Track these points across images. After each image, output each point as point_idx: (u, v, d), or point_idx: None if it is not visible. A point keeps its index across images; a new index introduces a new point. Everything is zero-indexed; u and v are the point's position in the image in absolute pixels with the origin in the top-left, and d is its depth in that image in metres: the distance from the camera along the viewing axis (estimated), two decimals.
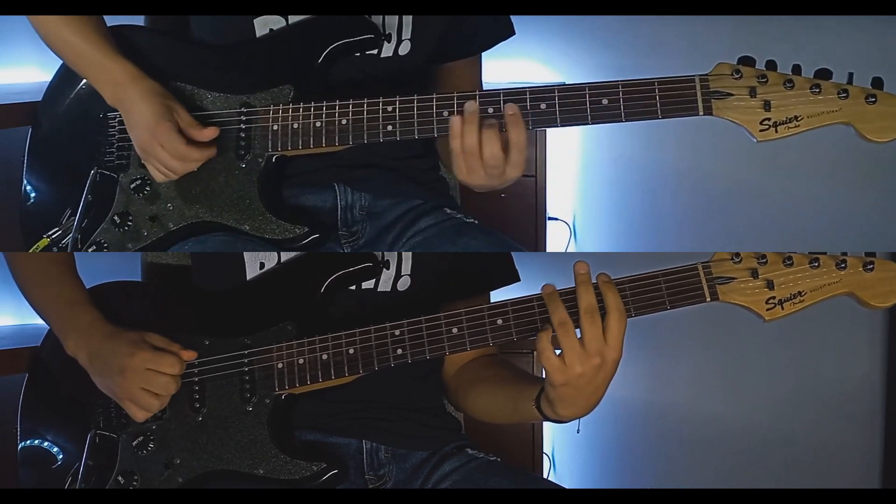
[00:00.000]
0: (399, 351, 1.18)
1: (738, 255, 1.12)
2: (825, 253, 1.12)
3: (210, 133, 1.23)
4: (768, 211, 2.38)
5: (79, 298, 1.27)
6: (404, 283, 1.31)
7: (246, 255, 1.28)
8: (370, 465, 1.29)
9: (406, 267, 1.31)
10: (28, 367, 1.32)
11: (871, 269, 1.10)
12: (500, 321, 1.16)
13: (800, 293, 1.11)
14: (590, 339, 1.07)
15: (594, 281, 1.11)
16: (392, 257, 1.31)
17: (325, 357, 1.19)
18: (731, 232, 2.40)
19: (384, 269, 1.29)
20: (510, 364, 1.35)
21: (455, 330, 1.17)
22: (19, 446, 1.30)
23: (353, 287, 1.28)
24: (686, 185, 2.40)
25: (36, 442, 1.29)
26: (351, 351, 1.19)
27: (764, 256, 1.12)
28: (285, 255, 1.28)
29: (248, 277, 1.28)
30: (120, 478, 1.22)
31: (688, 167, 2.38)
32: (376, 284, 1.30)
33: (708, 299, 1.12)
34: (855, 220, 2.33)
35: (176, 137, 1.21)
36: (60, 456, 1.27)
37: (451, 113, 1.19)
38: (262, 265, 1.28)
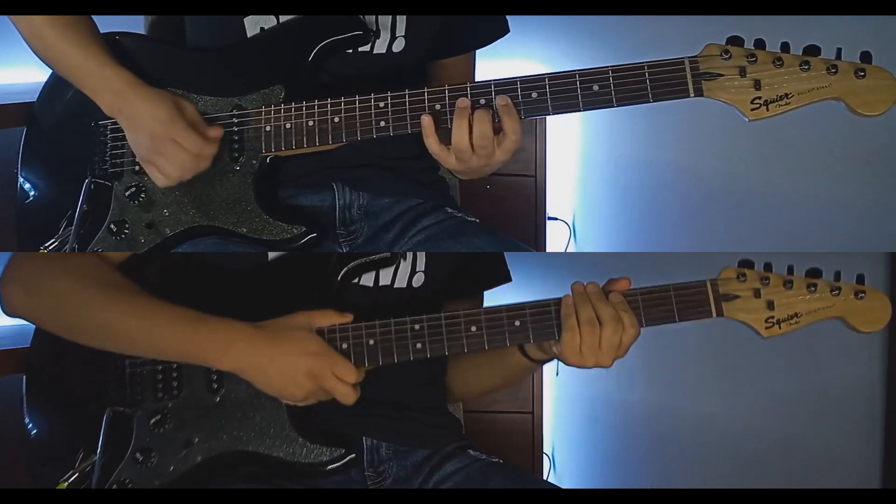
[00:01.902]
0: (419, 345, 1.19)
1: (743, 273, 1.20)
2: (821, 275, 1.21)
3: (217, 131, 1.24)
4: (768, 210, 2.37)
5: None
6: (419, 280, 1.32)
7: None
8: (370, 462, 1.29)
9: (421, 263, 1.32)
10: (24, 368, 1.32)
11: (863, 298, 1.19)
12: (517, 322, 1.19)
13: (796, 314, 1.20)
14: (608, 345, 1.18)
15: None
16: (408, 255, 1.32)
17: (345, 346, 1.20)
18: (731, 231, 2.39)
19: (401, 260, 1.30)
20: None
21: (474, 328, 1.19)
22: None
23: (371, 283, 1.29)
24: (686, 184, 2.39)
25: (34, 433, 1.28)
26: (371, 342, 1.20)
27: (767, 278, 1.20)
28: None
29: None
30: (138, 454, 1.21)
31: (688, 167, 2.38)
32: (393, 280, 1.31)
33: (714, 315, 1.20)
34: (855, 219, 2.32)
35: (192, 132, 1.22)
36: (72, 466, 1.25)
37: (442, 106, 1.20)
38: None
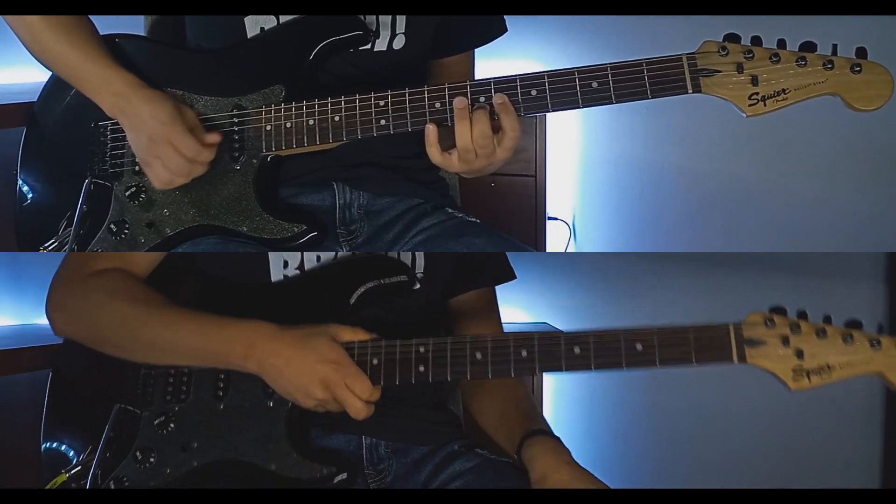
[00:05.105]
0: (421, 368, 1.18)
1: (772, 319, 1.13)
2: (861, 326, 1.12)
3: (215, 137, 1.24)
4: (768, 210, 2.37)
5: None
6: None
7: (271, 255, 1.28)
8: (370, 460, 1.29)
9: (420, 266, 1.32)
10: (51, 365, 1.33)
11: None
12: (524, 353, 1.17)
13: (828, 366, 1.11)
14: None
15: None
16: (406, 257, 1.32)
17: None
18: (731, 231, 2.39)
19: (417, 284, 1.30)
20: (522, 387, 1.40)
21: (479, 355, 1.18)
22: (42, 447, 1.30)
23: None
24: (686, 184, 2.39)
25: (54, 445, 1.29)
26: (375, 362, 1.19)
27: (797, 325, 1.12)
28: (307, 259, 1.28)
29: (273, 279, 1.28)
30: (138, 453, 1.23)
31: (688, 167, 2.38)
32: None
33: (735, 360, 1.13)
34: (855, 219, 2.32)
35: (190, 137, 1.22)
36: (76, 459, 1.27)
37: (442, 105, 1.21)
38: (285, 263, 1.28)
